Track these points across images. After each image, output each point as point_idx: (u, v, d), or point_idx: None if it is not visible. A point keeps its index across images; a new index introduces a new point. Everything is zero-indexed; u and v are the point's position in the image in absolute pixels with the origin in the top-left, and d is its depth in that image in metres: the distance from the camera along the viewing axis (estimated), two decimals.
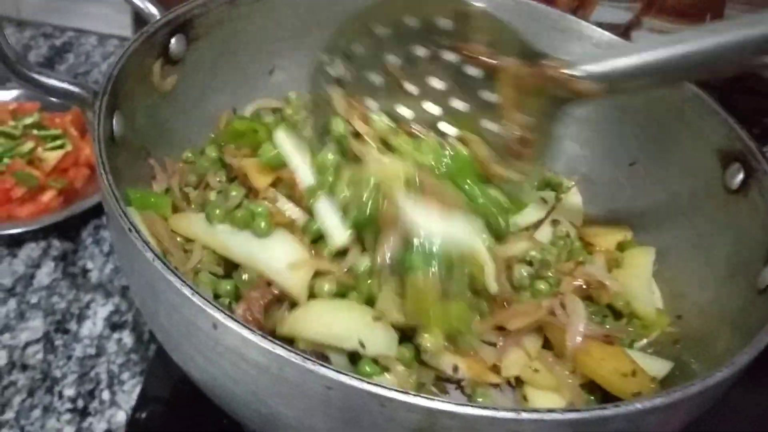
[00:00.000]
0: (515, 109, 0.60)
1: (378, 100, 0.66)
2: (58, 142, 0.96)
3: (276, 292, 0.56)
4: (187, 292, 0.43)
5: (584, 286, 0.63)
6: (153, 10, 0.66)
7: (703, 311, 0.65)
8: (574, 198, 0.77)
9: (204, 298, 0.42)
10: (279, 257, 0.58)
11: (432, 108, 0.65)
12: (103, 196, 0.50)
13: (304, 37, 0.80)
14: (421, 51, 0.62)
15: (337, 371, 0.40)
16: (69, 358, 0.77)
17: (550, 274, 0.62)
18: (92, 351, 0.78)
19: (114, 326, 0.81)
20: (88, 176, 0.96)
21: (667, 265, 0.71)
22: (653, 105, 0.73)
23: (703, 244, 0.68)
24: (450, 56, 0.62)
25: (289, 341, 0.56)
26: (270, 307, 0.56)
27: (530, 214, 0.72)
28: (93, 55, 1.21)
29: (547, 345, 0.62)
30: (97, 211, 0.92)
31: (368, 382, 0.39)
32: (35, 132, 0.97)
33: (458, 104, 0.64)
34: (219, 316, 0.42)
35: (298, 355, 0.40)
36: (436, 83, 0.64)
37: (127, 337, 0.80)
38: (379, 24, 0.62)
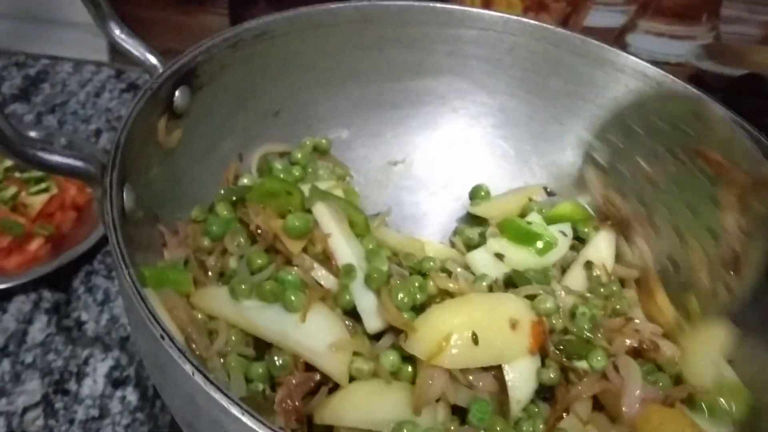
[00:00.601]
0: (736, 218, 0.62)
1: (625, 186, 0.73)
2: (43, 185, 0.91)
3: (317, 378, 0.52)
4: (236, 411, 0.38)
5: (636, 346, 0.59)
6: (154, 60, 0.60)
7: None
8: (605, 235, 0.73)
9: (258, 420, 0.38)
10: (317, 336, 0.53)
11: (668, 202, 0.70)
12: (123, 290, 0.45)
13: (308, 74, 0.76)
14: (662, 149, 0.69)
15: None
16: (71, 422, 0.73)
17: (600, 335, 0.58)
18: (95, 412, 0.74)
19: (116, 383, 0.77)
20: (75, 219, 0.91)
21: None
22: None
23: None
24: (685, 158, 0.67)
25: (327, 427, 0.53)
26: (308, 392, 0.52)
27: (557, 251, 0.69)
28: (69, 83, 1.15)
29: (596, 404, 0.59)
30: (88, 256, 0.87)
31: None
32: (17, 175, 0.91)
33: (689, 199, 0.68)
34: None
35: None
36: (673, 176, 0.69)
37: (130, 395, 0.76)
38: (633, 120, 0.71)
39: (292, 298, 0.54)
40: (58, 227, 0.88)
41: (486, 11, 0.73)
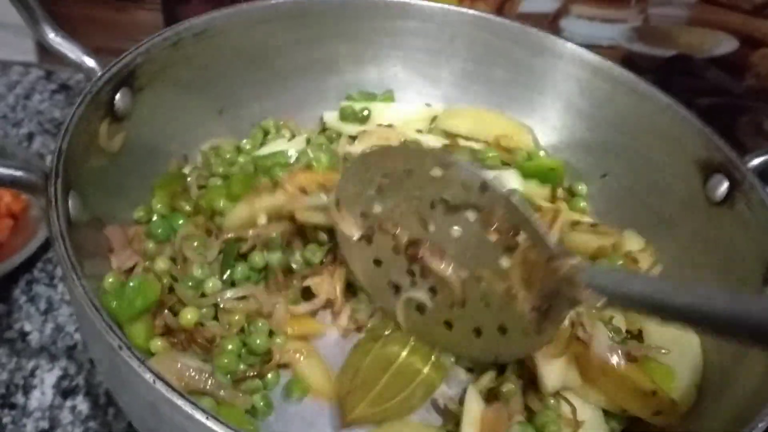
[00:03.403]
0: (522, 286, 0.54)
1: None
2: None
3: None
4: (200, 417, 0.38)
5: None
6: (92, 63, 0.59)
7: None
8: None
9: (222, 423, 0.38)
10: None
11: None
12: (75, 301, 0.44)
13: (250, 71, 0.75)
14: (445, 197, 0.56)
15: None
16: None
17: None
18: (45, 425, 0.72)
19: (65, 393, 0.75)
20: (11, 227, 0.88)
21: None
22: (624, 116, 0.72)
23: (688, 257, 0.68)
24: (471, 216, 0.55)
25: None
26: None
27: None
28: None
29: None
30: (27, 265, 0.85)
31: None
32: None
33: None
34: None
35: None
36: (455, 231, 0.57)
37: (81, 404, 0.74)
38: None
39: None
40: None
41: (426, 3, 0.74)
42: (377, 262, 0.60)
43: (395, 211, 0.57)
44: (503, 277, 0.54)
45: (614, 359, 0.58)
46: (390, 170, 0.56)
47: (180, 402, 0.39)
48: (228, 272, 0.61)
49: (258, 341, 0.59)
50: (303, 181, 0.63)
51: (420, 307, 0.59)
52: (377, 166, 0.56)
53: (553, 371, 0.57)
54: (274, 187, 0.64)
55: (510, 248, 0.53)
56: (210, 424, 0.38)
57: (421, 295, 0.58)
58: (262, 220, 0.63)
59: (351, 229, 0.59)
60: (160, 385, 0.39)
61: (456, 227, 0.55)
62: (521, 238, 0.52)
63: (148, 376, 0.39)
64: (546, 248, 0.51)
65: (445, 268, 0.56)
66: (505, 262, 0.53)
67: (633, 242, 0.71)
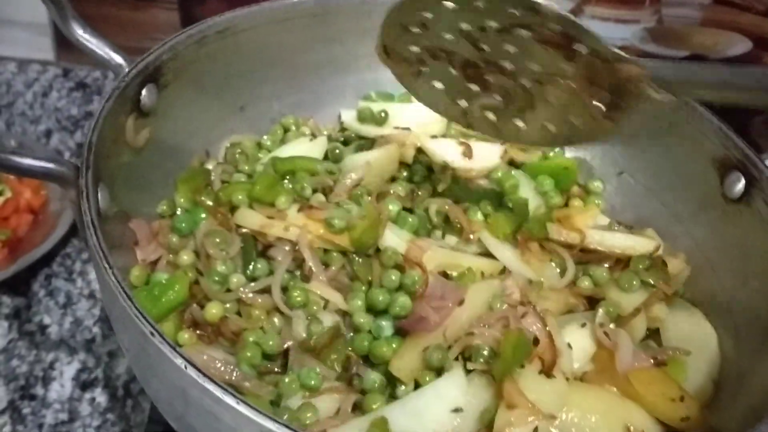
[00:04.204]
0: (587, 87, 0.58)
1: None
2: None
3: None
4: (230, 401, 0.39)
5: None
6: (120, 60, 0.60)
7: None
8: None
9: (253, 408, 0.39)
10: None
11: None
12: (106, 290, 0.45)
13: (272, 69, 0.76)
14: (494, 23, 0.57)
15: None
16: (40, 427, 0.72)
17: None
18: (64, 416, 0.73)
19: (84, 385, 0.76)
20: (31, 222, 0.89)
21: None
22: (640, 114, 0.72)
23: (703, 254, 0.68)
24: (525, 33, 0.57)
25: None
26: None
27: None
28: (15, 83, 1.12)
29: None
30: (47, 259, 0.86)
31: None
32: None
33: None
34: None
35: None
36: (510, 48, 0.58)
37: (99, 396, 0.75)
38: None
39: None
40: (15, 231, 0.86)
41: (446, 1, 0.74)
42: (441, 89, 0.63)
43: (444, 40, 0.58)
44: (568, 82, 0.57)
45: (641, 365, 0.59)
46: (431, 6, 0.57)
47: (211, 387, 0.40)
48: (251, 266, 0.61)
49: (270, 342, 0.58)
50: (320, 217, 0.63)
51: (492, 111, 0.62)
52: (414, 8, 0.58)
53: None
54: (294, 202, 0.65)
55: (569, 57, 0.55)
56: (240, 408, 0.39)
57: (491, 101, 0.61)
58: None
59: (403, 71, 0.62)
60: (191, 371, 0.40)
61: (510, 45, 0.57)
62: (580, 47, 0.54)
63: (180, 362, 0.40)
64: (606, 54, 0.54)
65: (506, 80, 0.59)
66: (567, 68, 0.56)
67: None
